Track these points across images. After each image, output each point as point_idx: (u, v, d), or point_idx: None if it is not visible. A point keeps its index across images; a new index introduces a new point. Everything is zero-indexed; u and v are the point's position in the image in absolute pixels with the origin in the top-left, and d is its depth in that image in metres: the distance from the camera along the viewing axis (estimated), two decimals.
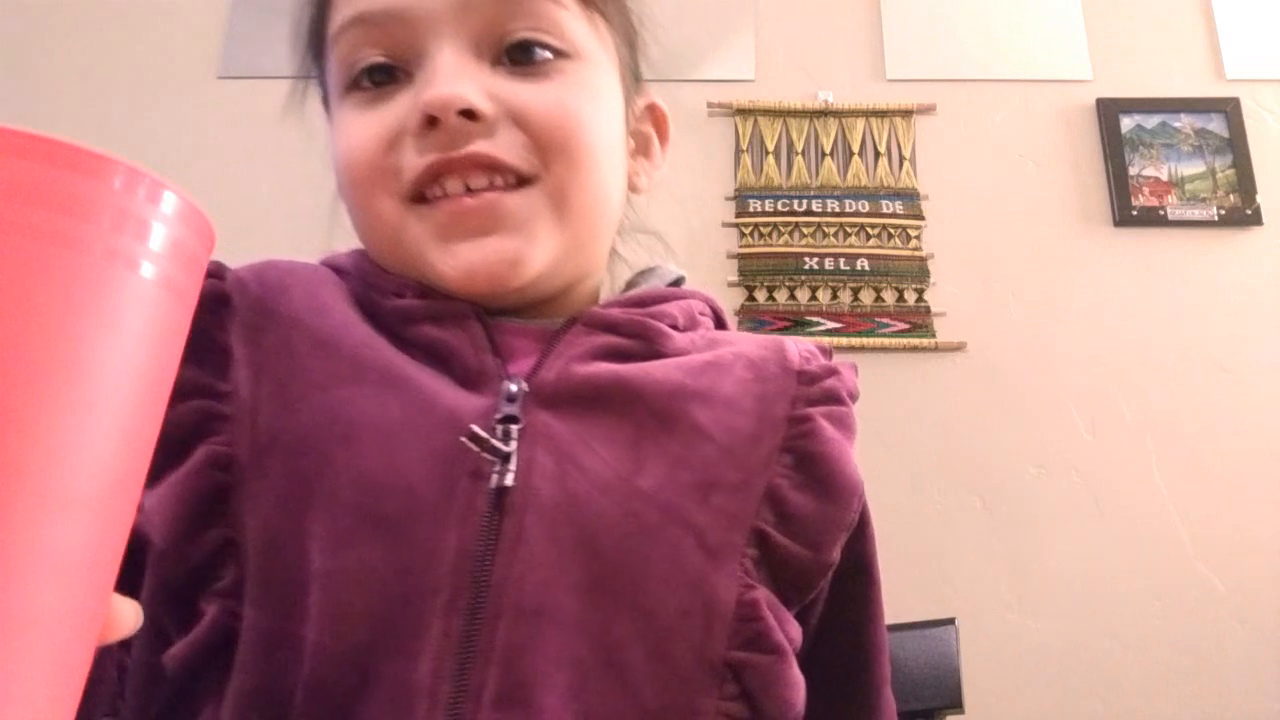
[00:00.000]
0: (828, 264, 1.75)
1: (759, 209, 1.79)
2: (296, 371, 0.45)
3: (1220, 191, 1.77)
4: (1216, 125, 1.81)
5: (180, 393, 0.43)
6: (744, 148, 1.82)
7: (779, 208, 1.79)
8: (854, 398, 0.52)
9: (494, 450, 0.42)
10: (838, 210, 1.79)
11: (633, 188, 0.58)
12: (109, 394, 0.23)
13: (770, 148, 1.82)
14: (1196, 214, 1.76)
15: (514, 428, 0.43)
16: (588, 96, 0.50)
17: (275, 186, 1.78)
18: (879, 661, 0.53)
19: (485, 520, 0.41)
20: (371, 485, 0.42)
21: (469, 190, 0.47)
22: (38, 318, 0.22)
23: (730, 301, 1.72)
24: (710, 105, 1.81)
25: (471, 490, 0.42)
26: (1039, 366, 1.68)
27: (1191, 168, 1.79)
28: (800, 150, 1.82)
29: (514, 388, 0.45)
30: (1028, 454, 1.63)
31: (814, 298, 1.74)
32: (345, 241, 0.53)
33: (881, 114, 1.84)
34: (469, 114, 0.46)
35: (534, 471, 0.43)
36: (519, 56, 0.49)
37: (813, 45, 1.89)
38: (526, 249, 0.47)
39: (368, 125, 0.48)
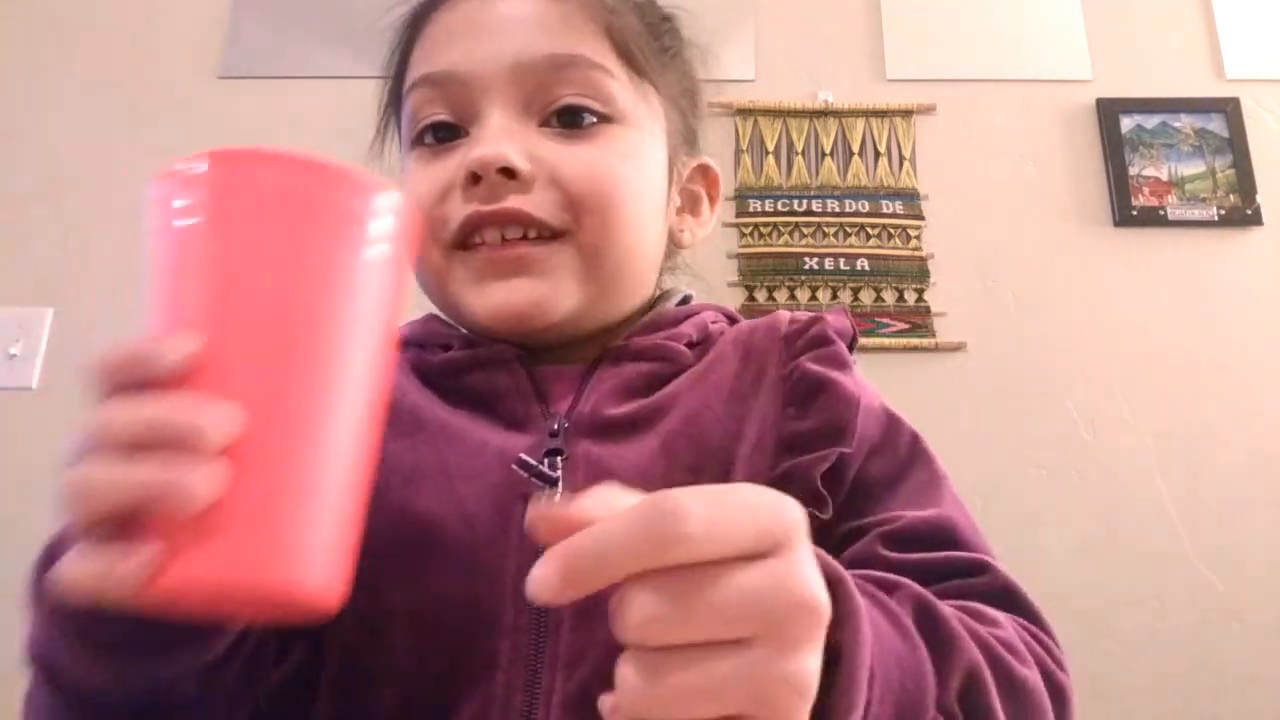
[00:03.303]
0: (828, 264, 1.75)
1: (759, 209, 1.79)
2: None
3: (1220, 191, 1.77)
4: (1216, 125, 1.81)
5: None
6: (744, 148, 1.82)
7: (779, 208, 1.79)
8: (844, 335, 0.55)
9: (542, 475, 0.47)
10: (838, 210, 1.79)
11: (677, 242, 0.62)
12: (368, 337, 0.34)
13: (770, 148, 1.82)
14: (1196, 214, 1.76)
15: (559, 459, 0.48)
16: (625, 158, 0.55)
17: None
18: None
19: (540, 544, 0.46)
20: (434, 521, 0.46)
21: (504, 240, 0.52)
22: (330, 290, 0.33)
23: (730, 301, 1.72)
24: (710, 105, 1.81)
25: (525, 517, 0.46)
26: (1039, 366, 1.68)
27: (1191, 168, 1.79)
28: (800, 150, 1.82)
29: (556, 425, 0.50)
30: (1028, 454, 1.63)
31: (814, 298, 1.74)
32: None
33: (881, 114, 1.84)
34: (508, 172, 0.51)
35: (579, 494, 0.47)
36: (567, 119, 0.54)
37: (813, 45, 1.89)
38: (550, 294, 0.53)
39: (425, 179, 0.54)
